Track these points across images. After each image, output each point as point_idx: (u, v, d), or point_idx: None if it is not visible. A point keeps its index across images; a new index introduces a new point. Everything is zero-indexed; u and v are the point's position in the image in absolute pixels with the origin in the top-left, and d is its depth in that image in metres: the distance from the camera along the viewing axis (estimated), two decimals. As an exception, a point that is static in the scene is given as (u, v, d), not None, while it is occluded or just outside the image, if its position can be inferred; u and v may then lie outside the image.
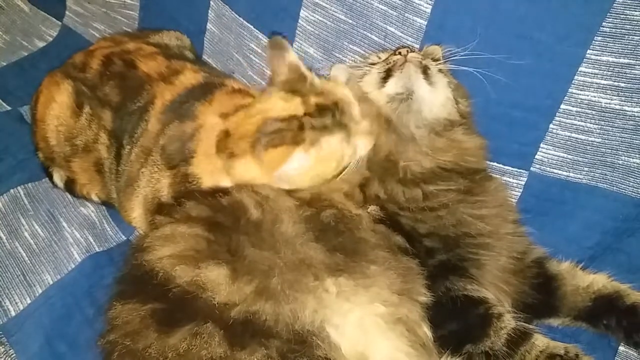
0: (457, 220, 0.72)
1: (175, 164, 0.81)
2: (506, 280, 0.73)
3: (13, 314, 0.80)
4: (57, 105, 0.93)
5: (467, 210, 0.73)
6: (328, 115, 0.75)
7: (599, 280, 0.74)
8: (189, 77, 0.89)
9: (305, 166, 0.73)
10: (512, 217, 0.79)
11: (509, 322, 0.65)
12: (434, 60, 0.81)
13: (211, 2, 1.06)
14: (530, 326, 0.66)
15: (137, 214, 0.86)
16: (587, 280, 0.74)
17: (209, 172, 0.79)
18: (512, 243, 0.75)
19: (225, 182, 0.78)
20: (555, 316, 0.75)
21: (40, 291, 0.83)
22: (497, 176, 0.84)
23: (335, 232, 0.69)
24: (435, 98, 0.78)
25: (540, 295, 0.75)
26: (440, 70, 0.80)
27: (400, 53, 0.80)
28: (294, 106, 0.76)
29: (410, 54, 0.79)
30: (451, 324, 0.67)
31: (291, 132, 0.73)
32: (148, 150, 0.84)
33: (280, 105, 0.76)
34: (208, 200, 0.72)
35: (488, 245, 0.72)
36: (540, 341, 0.64)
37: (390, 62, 0.80)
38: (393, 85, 0.78)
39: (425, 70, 0.78)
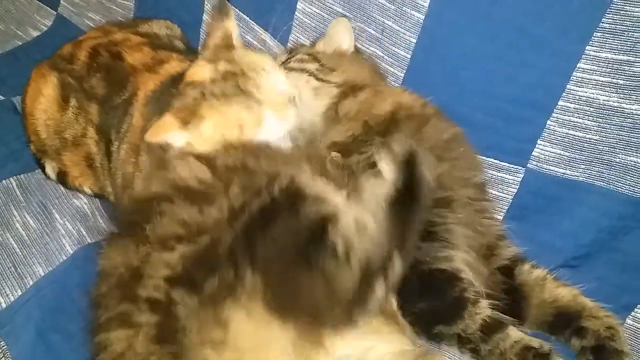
0: None
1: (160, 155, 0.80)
2: (478, 269, 0.72)
3: (4, 306, 0.79)
4: (44, 99, 0.92)
5: None
6: (231, 82, 0.75)
7: (566, 296, 0.73)
8: (174, 66, 0.88)
9: (191, 137, 0.73)
10: (475, 179, 0.77)
11: (485, 309, 0.65)
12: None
13: (207, -7, 1.05)
14: (505, 316, 0.66)
15: None
16: (554, 294, 0.73)
17: None
18: (478, 215, 0.74)
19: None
20: (518, 323, 0.72)
21: (31, 283, 0.82)
22: (453, 126, 0.80)
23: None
24: (302, 108, 0.78)
25: (508, 299, 0.73)
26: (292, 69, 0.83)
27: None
28: (207, 72, 0.76)
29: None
30: (422, 302, 0.66)
31: (187, 101, 0.74)
32: (136, 148, 0.83)
33: (198, 71, 0.77)
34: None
35: (448, 202, 0.71)
36: (515, 333, 0.64)
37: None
38: None
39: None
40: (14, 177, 0.96)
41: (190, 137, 0.73)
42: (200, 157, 0.69)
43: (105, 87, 0.89)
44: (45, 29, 1.31)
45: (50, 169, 0.96)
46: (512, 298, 0.73)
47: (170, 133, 0.73)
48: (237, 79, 0.75)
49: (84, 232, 0.90)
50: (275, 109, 0.75)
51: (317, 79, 0.83)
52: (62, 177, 0.96)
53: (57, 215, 0.91)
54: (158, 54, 0.92)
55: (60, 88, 0.92)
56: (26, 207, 0.92)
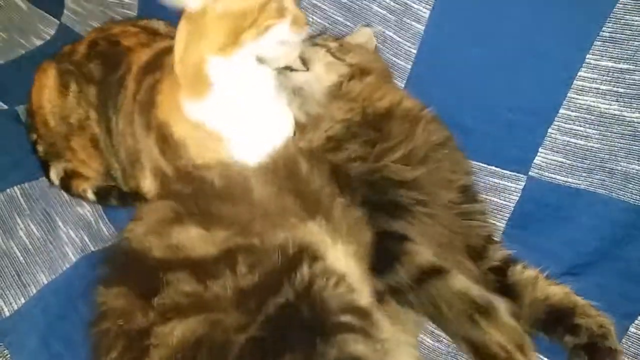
0: (377, 167, 0.74)
1: (148, 114, 0.82)
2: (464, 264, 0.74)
3: (7, 314, 0.79)
4: (47, 90, 0.95)
5: (387, 156, 0.75)
6: None
7: (558, 294, 0.73)
8: (167, 42, 0.89)
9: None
10: (459, 182, 0.78)
11: (422, 258, 0.66)
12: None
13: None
14: (448, 267, 0.67)
15: (148, 182, 0.87)
16: (546, 292, 0.74)
17: (172, 109, 0.80)
18: (459, 218, 0.76)
19: (188, 106, 0.78)
20: None
21: (34, 291, 0.82)
22: (444, 130, 0.82)
23: (301, 184, 0.72)
24: (311, 75, 0.82)
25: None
26: (316, 44, 0.85)
27: None
28: None
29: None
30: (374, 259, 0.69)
31: None
32: (131, 116, 0.85)
33: None
34: (180, 177, 0.76)
35: (423, 201, 0.73)
36: (460, 283, 0.65)
37: None
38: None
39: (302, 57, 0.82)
40: (18, 185, 0.96)
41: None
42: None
43: (102, 70, 0.91)
44: (48, 37, 1.32)
45: (55, 173, 0.97)
46: (505, 298, 0.73)
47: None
48: None
49: (87, 240, 0.90)
50: (295, 17, 0.75)
51: (333, 55, 0.85)
52: (66, 182, 0.97)
53: (60, 223, 0.92)
54: (155, 38, 0.94)
55: (59, 76, 0.95)
56: (30, 215, 0.92)
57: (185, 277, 0.60)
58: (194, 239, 0.64)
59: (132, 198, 0.94)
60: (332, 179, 0.74)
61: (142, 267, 0.64)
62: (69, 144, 0.95)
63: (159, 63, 0.85)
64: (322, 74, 0.83)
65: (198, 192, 0.72)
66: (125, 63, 0.88)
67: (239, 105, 0.78)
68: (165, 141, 0.81)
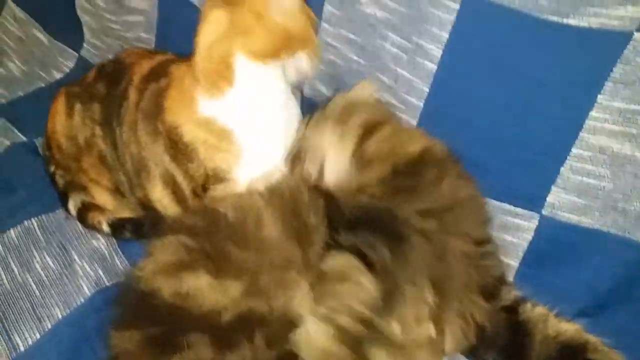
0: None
1: (154, 121, 0.85)
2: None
3: (22, 349, 0.80)
4: (58, 115, 0.99)
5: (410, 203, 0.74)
6: None
7: (569, 330, 0.73)
8: (170, 56, 0.95)
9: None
10: (476, 234, 0.78)
11: None
12: None
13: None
14: None
15: (158, 190, 0.89)
16: (557, 329, 0.74)
17: (182, 110, 0.82)
18: (473, 263, 0.75)
19: (202, 103, 0.81)
20: None
21: (49, 326, 0.83)
22: (469, 183, 0.82)
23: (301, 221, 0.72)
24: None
25: (512, 338, 0.75)
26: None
27: None
28: None
29: None
30: None
31: None
32: (134, 124, 0.87)
33: None
34: (194, 210, 0.77)
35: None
36: None
37: None
38: None
39: None
40: (35, 217, 0.98)
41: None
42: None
43: (106, 87, 0.95)
44: (67, 70, 1.36)
45: (73, 204, 0.99)
46: (516, 336, 0.74)
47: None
48: None
49: (102, 274, 0.91)
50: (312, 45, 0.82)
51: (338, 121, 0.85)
52: (83, 214, 0.98)
53: (75, 257, 0.93)
54: (156, 54, 0.99)
55: (66, 100, 0.99)
56: (46, 248, 0.94)
57: (205, 342, 0.60)
58: (204, 290, 0.64)
59: (146, 230, 0.96)
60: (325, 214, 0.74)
61: (152, 310, 0.64)
62: (79, 164, 0.97)
63: (164, 71, 0.88)
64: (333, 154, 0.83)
65: (211, 228, 0.72)
66: (127, 76, 0.92)
67: (254, 106, 0.81)
68: (175, 146, 0.83)
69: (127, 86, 0.91)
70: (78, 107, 0.97)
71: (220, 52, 0.79)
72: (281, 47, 0.78)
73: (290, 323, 0.61)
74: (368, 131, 0.83)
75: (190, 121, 0.82)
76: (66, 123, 0.98)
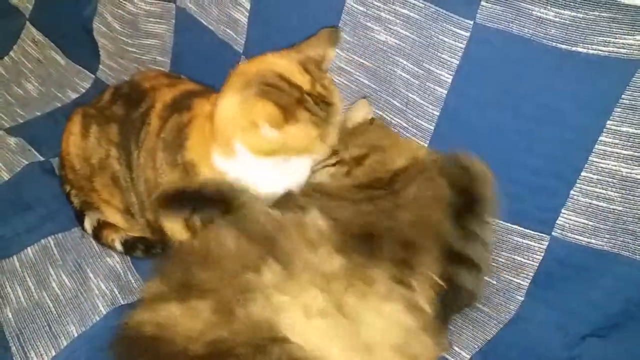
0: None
1: (174, 154, 0.87)
2: None
3: (38, 367, 0.81)
4: (73, 136, 1.01)
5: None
6: (323, 109, 0.80)
7: None
8: (190, 85, 0.98)
9: (275, 136, 0.77)
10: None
11: None
12: None
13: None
14: None
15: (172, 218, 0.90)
16: None
17: (202, 152, 0.84)
18: None
19: (216, 157, 0.83)
20: None
21: (65, 343, 0.84)
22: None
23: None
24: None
25: None
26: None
27: None
28: (303, 79, 0.80)
29: None
30: None
31: (288, 98, 0.77)
32: (154, 152, 0.89)
33: (291, 70, 0.80)
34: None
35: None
36: None
37: None
38: None
39: None
40: (52, 236, 1.00)
41: (275, 135, 0.76)
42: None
43: (124, 108, 0.97)
44: (83, 91, 1.38)
45: (89, 223, 1.01)
46: None
47: (266, 121, 0.75)
48: (327, 110, 0.81)
49: (117, 293, 0.92)
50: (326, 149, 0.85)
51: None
52: (98, 232, 1.00)
53: (91, 275, 0.94)
54: (175, 80, 1.02)
55: (83, 120, 1.01)
56: (62, 266, 0.95)
57: None
58: (177, 317, 0.68)
59: (157, 250, 0.97)
60: None
61: (136, 344, 0.68)
62: (92, 184, 0.99)
63: (187, 104, 0.90)
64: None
65: (180, 259, 0.77)
66: (147, 100, 0.94)
67: (262, 172, 0.83)
68: (191, 180, 0.85)
69: (149, 112, 0.92)
70: (94, 128, 0.99)
71: (226, 133, 0.81)
72: (279, 152, 0.80)
73: (261, 344, 0.64)
74: (358, 162, 0.88)
75: (206, 165, 0.85)
76: (81, 144, 1.00)
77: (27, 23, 1.44)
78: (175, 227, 0.90)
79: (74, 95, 1.38)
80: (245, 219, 0.77)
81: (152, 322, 0.68)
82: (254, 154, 0.80)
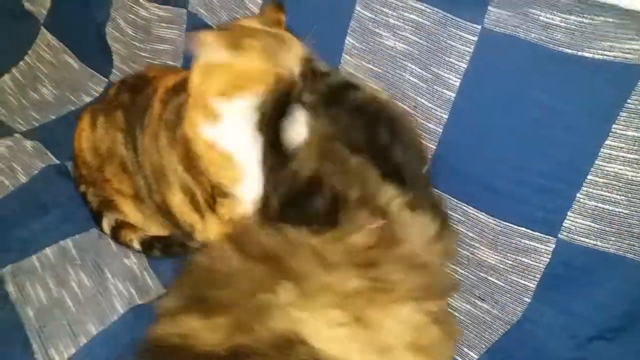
0: None
1: (174, 131, 0.89)
2: None
3: (59, 364, 0.84)
4: (84, 132, 1.05)
5: None
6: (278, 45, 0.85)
7: None
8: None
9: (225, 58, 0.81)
10: None
11: None
12: None
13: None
14: None
15: (178, 198, 0.93)
16: None
17: (193, 126, 0.86)
18: None
19: (203, 126, 0.85)
20: None
21: (84, 342, 0.87)
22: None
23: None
24: None
25: None
26: None
27: None
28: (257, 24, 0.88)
29: None
30: None
31: (236, 31, 0.84)
32: (157, 134, 0.92)
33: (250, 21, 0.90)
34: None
35: None
36: None
37: None
38: None
39: None
40: (70, 237, 1.03)
41: (224, 59, 0.80)
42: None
43: (129, 96, 1.00)
44: (96, 94, 1.41)
45: (107, 223, 1.04)
46: None
47: (209, 45, 0.81)
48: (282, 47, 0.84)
49: (134, 293, 0.95)
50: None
51: None
52: (116, 232, 1.03)
53: (109, 275, 0.97)
54: (179, 70, 1.06)
55: (91, 116, 1.05)
56: (81, 266, 0.98)
57: None
58: (199, 330, 0.70)
59: (175, 250, 1.00)
60: None
61: (160, 353, 0.71)
62: (103, 175, 1.02)
63: (184, 87, 0.91)
64: None
65: (190, 276, 0.80)
66: (151, 87, 0.97)
67: (247, 134, 0.84)
68: (187, 156, 0.88)
69: (152, 96, 0.96)
70: (101, 119, 1.03)
71: (200, 92, 0.85)
72: (239, 85, 0.82)
73: (283, 346, 0.66)
74: None
75: (198, 139, 0.87)
76: (91, 137, 1.04)
77: (42, 28, 1.47)
78: (183, 208, 0.94)
79: (87, 99, 1.40)
80: (246, 239, 0.79)
81: (176, 334, 0.71)
82: (223, 97, 0.82)
